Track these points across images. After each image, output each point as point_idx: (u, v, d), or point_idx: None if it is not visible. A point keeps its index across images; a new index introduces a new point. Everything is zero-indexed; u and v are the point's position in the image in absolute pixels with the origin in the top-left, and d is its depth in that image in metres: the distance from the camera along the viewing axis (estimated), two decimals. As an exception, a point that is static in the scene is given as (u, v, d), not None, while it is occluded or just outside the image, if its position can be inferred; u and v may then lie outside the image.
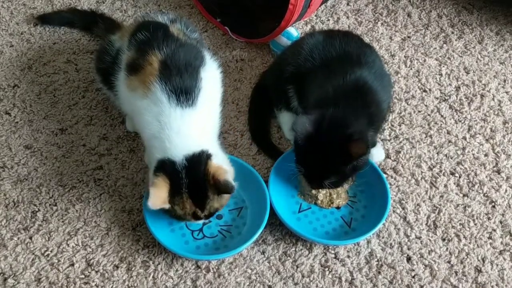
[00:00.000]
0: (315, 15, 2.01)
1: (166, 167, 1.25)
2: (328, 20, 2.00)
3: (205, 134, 1.33)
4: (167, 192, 1.24)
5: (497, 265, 1.39)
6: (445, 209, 1.49)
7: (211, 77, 1.38)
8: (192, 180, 1.25)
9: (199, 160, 1.26)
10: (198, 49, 1.42)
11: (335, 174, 1.37)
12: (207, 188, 1.26)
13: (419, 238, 1.43)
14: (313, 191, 1.46)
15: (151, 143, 1.30)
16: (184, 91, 1.29)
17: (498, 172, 1.58)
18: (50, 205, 1.44)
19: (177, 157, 1.25)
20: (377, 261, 1.38)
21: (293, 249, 1.39)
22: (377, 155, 1.56)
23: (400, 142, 1.64)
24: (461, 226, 1.46)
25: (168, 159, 1.25)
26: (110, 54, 1.47)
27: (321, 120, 1.33)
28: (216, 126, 1.38)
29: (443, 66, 1.87)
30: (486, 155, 1.62)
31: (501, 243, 1.43)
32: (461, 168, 1.58)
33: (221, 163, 1.28)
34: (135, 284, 1.31)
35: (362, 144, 1.30)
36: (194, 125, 1.30)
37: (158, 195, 1.22)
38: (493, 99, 1.78)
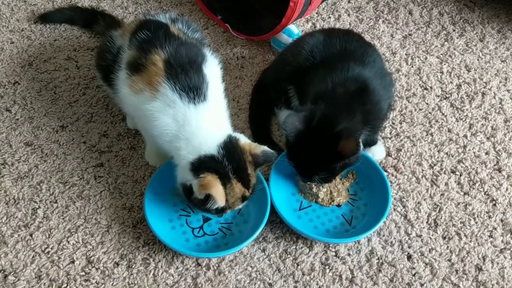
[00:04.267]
0: (316, 13, 2.01)
1: (205, 164, 1.25)
2: (329, 17, 2.00)
3: (224, 122, 1.36)
4: (221, 184, 1.25)
5: (497, 263, 1.39)
6: (446, 207, 1.49)
7: (213, 73, 1.39)
8: (234, 163, 1.27)
9: (232, 144, 1.29)
10: (198, 47, 1.42)
11: (325, 170, 1.38)
12: (247, 166, 1.29)
13: (420, 236, 1.43)
14: (314, 190, 1.46)
15: (174, 144, 1.30)
16: (194, 88, 1.30)
17: (499, 170, 1.58)
18: (50, 202, 1.44)
19: (213, 149, 1.27)
20: (378, 259, 1.38)
21: (294, 247, 1.39)
22: (378, 153, 1.56)
23: (401, 140, 1.63)
24: (462, 224, 1.46)
25: (204, 156, 1.26)
26: (111, 51, 1.46)
27: (311, 117, 1.34)
28: (227, 115, 1.39)
29: (444, 64, 1.87)
30: (487, 153, 1.62)
31: (502, 241, 1.43)
32: (462, 166, 1.58)
33: (248, 141, 1.33)
34: (136, 282, 1.31)
35: (352, 142, 1.30)
36: (212, 117, 1.32)
37: (219, 190, 1.24)
38: (494, 97, 1.78)
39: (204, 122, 1.30)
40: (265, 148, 1.32)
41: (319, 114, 1.34)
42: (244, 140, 1.32)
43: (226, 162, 1.26)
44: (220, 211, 1.30)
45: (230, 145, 1.29)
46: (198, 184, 1.23)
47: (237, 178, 1.27)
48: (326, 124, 1.34)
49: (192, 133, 1.28)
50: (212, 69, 1.39)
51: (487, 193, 1.53)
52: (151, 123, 1.31)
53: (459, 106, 1.74)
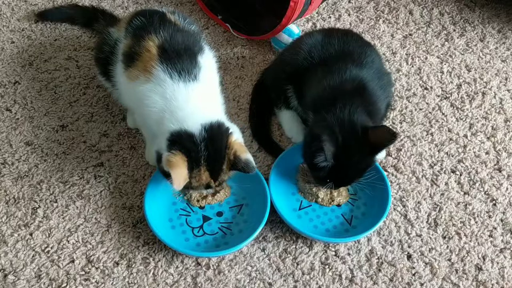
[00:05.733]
0: (317, 12, 2.01)
1: (182, 140, 1.23)
2: (330, 17, 2.00)
3: (216, 106, 1.33)
4: (186, 168, 1.23)
5: (497, 263, 1.39)
6: (446, 207, 1.49)
7: (208, 63, 1.38)
8: (211, 152, 1.24)
9: (219, 132, 1.26)
10: (195, 37, 1.42)
11: (367, 168, 1.38)
12: (224, 161, 1.27)
13: (420, 236, 1.43)
14: (314, 189, 1.46)
15: (161, 115, 1.28)
16: (185, 69, 1.29)
17: (499, 170, 1.58)
18: (50, 201, 1.44)
19: (195, 127, 1.24)
20: (378, 258, 1.38)
21: (294, 246, 1.39)
22: (378, 152, 1.56)
23: (401, 139, 1.63)
24: (462, 224, 1.46)
25: (185, 131, 1.24)
26: (109, 43, 1.47)
27: (333, 133, 1.31)
28: (222, 104, 1.37)
29: (445, 64, 1.87)
30: (487, 153, 1.62)
31: (502, 241, 1.43)
32: (462, 166, 1.58)
33: (240, 140, 1.30)
34: (135, 281, 1.31)
35: (383, 130, 1.30)
36: (201, 97, 1.30)
37: (180, 174, 1.21)
38: (494, 97, 1.77)
39: (192, 99, 1.28)
40: (251, 158, 1.28)
41: (338, 127, 1.31)
42: (237, 137, 1.30)
43: (203, 147, 1.23)
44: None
45: (217, 132, 1.26)
46: (166, 158, 1.22)
47: (208, 167, 1.25)
48: (350, 129, 1.32)
49: (177, 107, 1.26)
50: (208, 60, 1.39)
51: (487, 192, 1.53)
52: (142, 103, 1.30)
53: (459, 106, 1.74)
